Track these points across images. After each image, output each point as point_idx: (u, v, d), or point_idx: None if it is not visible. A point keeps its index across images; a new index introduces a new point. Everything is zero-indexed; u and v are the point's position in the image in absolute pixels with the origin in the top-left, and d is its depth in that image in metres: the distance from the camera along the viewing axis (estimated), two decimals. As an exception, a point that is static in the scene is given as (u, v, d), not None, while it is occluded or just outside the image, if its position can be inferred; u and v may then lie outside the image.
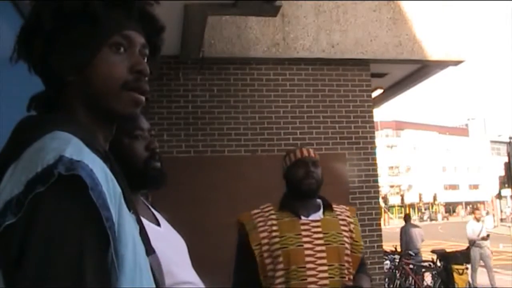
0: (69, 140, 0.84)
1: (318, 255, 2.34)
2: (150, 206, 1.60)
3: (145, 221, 1.45)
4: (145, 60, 1.02)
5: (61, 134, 0.85)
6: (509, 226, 23.10)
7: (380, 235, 6.22)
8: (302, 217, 2.42)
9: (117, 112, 0.97)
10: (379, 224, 6.27)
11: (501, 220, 46.27)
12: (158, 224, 1.52)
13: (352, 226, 2.52)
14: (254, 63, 6.07)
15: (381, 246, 6.28)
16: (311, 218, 2.43)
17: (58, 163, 0.78)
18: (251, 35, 5.97)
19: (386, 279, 9.07)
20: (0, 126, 1.40)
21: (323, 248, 2.35)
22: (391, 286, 9.56)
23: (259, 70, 6.08)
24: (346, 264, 2.39)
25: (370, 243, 6.07)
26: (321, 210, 2.48)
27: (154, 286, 0.95)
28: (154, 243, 1.34)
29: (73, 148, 0.82)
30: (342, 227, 2.47)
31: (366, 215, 6.12)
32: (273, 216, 2.43)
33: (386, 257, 9.41)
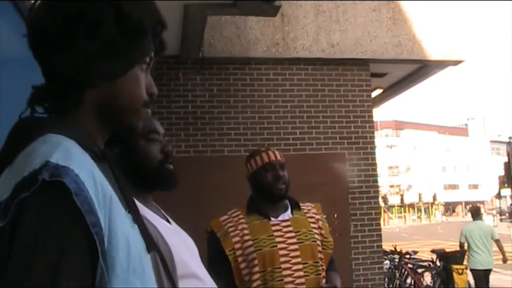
0: (59, 144, 0.84)
1: (292, 254, 2.33)
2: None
3: (156, 217, 1.47)
4: None
5: (52, 137, 0.85)
6: (509, 226, 23.12)
7: (380, 235, 6.22)
8: (272, 218, 2.41)
9: (132, 126, 1.01)
10: (379, 224, 6.27)
11: (501, 220, 46.30)
12: (169, 222, 1.57)
13: (320, 222, 2.52)
14: (253, 63, 6.07)
15: (381, 246, 6.29)
16: (280, 218, 2.42)
17: (43, 168, 0.79)
18: (250, 35, 5.98)
19: (386, 279, 9.08)
20: (0, 126, 1.40)
21: (297, 247, 2.35)
22: (391, 286, 9.56)
23: (259, 70, 6.09)
24: (320, 261, 2.39)
25: (370, 243, 6.08)
26: (289, 210, 2.47)
27: (154, 283, 0.95)
28: (165, 236, 1.36)
29: (61, 153, 0.82)
30: (312, 225, 2.46)
31: (366, 215, 6.12)
32: (243, 220, 2.41)
33: (386, 257, 9.41)
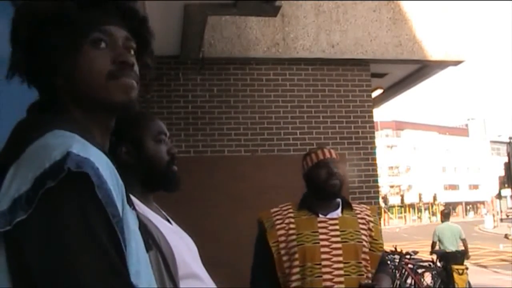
0: (73, 137, 0.85)
1: (334, 252, 2.35)
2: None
3: (158, 217, 1.48)
4: (132, 52, 1.03)
5: (62, 132, 0.87)
6: (509, 226, 23.16)
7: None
8: (320, 215, 2.44)
9: (109, 101, 0.97)
10: (379, 224, 6.26)
11: (501, 220, 46.26)
12: (169, 222, 1.58)
13: (371, 224, 2.54)
14: (254, 63, 6.07)
15: (381, 246, 6.28)
16: (329, 216, 2.46)
17: (66, 158, 0.80)
18: (251, 35, 5.97)
19: (386, 279, 9.05)
20: (0, 126, 1.40)
21: (340, 245, 2.37)
22: (391, 286, 9.54)
23: (259, 70, 6.08)
24: (364, 262, 2.40)
25: (370, 243, 6.07)
26: (340, 209, 2.50)
27: (153, 281, 0.97)
28: (167, 237, 1.37)
29: (79, 145, 0.83)
30: (361, 225, 2.49)
31: (366, 215, 6.12)
32: (291, 214, 2.46)
33: (386, 257, 9.40)
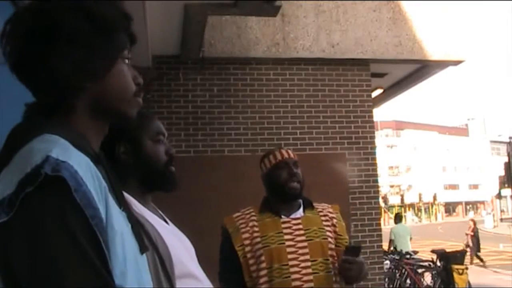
0: (56, 141, 0.87)
1: (301, 251, 2.34)
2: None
3: (155, 217, 1.48)
4: None
5: (49, 137, 0.89)
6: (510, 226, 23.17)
7: (380, 235, 6.22)
8: (283, 216, 2.43)
9: (128, 115, 1.05)
10: (379, 224, 6.27)
11: (501, 220, 46.25)
12: (166, 222, 1.58)
13: (334, 221, 2.52)
14: (254, 63, 6.07)
15: (381, 246, 6.29)
16: (292, 216, 2.44)
17: (44, 163, 0.82)
18: (251, 35, 5.97)
19: (386, 279, 9.08)
20: (0, 126, 1.40)
21: (305, 244, 2.36)
22: (391, 286, 9.56)
23: (259, 70, 6.09)
24: (331, 259, 2.39)
25: (370, 243, 6.08)
26: (302, 209, 2.49)
27: (149, 283, 0.98)
28: (164, 237, 1.37)
29: (59, 149, 0.85)
30: (324, 223, 2.47)
31: (366, 215, 6.12)
32: (254, 218, 2.44)
33: (386, 257, 9.42)
